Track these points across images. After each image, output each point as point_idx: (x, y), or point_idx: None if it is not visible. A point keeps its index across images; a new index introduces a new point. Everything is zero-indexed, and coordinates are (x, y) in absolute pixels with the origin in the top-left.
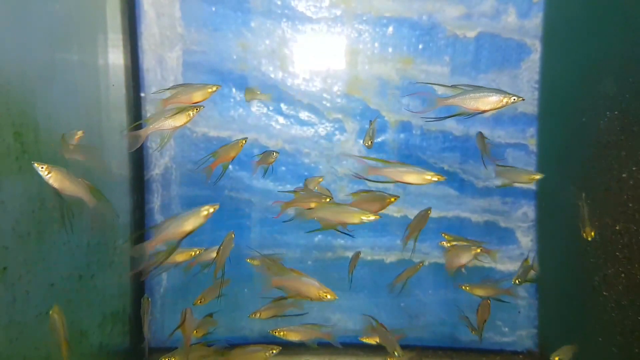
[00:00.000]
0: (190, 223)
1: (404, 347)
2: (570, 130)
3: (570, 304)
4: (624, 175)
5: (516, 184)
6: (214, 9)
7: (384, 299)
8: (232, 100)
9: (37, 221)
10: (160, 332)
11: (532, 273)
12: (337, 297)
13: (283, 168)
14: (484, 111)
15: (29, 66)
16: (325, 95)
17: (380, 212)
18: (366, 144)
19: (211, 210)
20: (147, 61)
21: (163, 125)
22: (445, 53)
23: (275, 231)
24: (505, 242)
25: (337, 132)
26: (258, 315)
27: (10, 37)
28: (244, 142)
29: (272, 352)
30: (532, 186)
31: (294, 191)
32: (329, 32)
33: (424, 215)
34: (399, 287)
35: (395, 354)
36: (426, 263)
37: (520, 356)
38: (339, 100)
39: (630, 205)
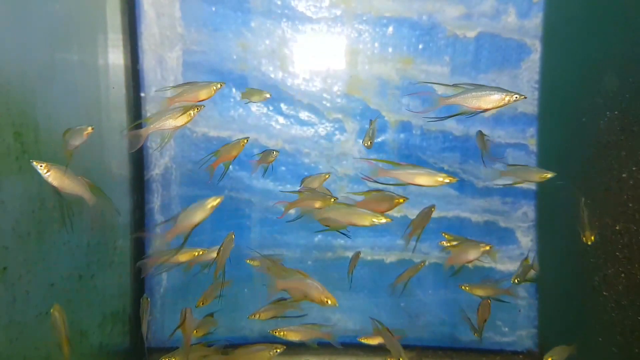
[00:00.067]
0: (198, 215)
1: (404, 347)
2: (570, 130)
3: (570, 304)
4: (624, 175)
5: (526, 183)
6: (214, 9)
7: (384, 299)
8: (232, 100)
9: (37, 221)
10: (160, 332)
11: (532, 272)
12: (337, 305)
13: (283, 168)
14: (486, 110)
15: (29, 66)
16: (325, 95)
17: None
18: (365, 145)
19: (215, 202)
20: (147, 61)
21: (164, 125)
22: (445, 53)
23: (275, 231)
24: (505, 242)
25: (337, 132)
26: (257, 316)
27: (10, 37)
28: (245, 141)
29: (276, 351)
30: (532, 186)
31: (298, 191)
32: (329, 32)
33: (427, 213)
34: (400, 287)
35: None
36: (426, 263)
37: (520, 356)
38: (339, 100)
39: (630, 205)
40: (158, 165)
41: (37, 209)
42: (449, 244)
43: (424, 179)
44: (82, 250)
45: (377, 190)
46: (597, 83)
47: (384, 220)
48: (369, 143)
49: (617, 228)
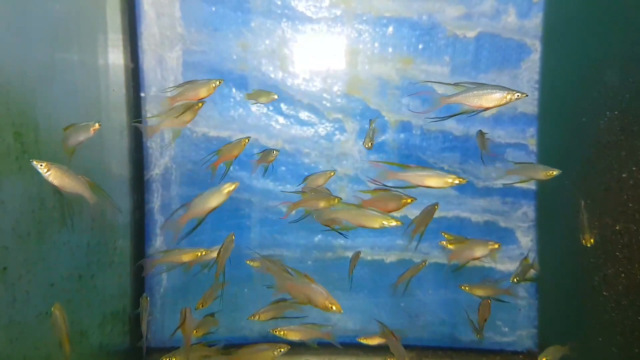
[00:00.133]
0: (215, 200)
1: (404, 347)
2: (570, 130)
3: (570, 304)
4: (624, 175)
5: (526, 183)
6: (214, 9)
7: (384, 299)
8: (232, 100)
9: (37, 221)
10: (160, 332)
11: (532, 272)
12: (342, 311)
13: (283, 168)
14: (488, 108)
15: (29, 66)
16: (325, 95)
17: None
18: (366, 146)
19: (232, 188)
20: (147, 61)
21: (174, 122)
22: (445, 53)
23: (275, 231)
24: (505, 242)
25: (337, 132)
26: (257, 317)
27: (10, 37)
28: (246, 141)
29: (280, 351)
30: (532, 186)
31: (302, 192)
32: (329, 32)
33: (430, 210)
34: (401, 287)
35: None
36: (427, 263)
37: (520, 356)
38: (339, 100)
39: (630, 205)
40: (158, 165)
41: (37, 209)
42: (453, 241)
43: (433, 180)
44: (82, 250)
45: (384, 189)
46: (597, 83)
47: (394, 224)
48: (370, 144)
49: (617, 228)
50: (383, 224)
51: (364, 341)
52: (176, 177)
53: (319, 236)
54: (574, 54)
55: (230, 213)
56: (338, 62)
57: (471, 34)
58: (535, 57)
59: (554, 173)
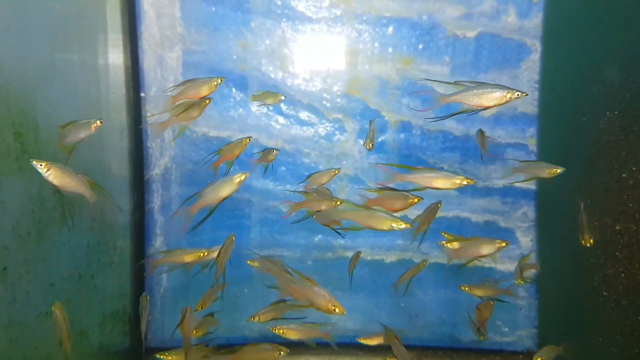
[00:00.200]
0: (226, 189)
1: (404, 348)
2: (570, 130)
3: (570, 304)
4: (624, 175)
5: (527, 183)
6: (214, 9)
7: (384, 299)
8: (232, 100)
9: (37, 221)
10: (160, 332)
11: (532, 272)
12: (345, 313)
13: (283, 168)
14: (488, 107)
15: (29, 66)
16: (325, 95)
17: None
18: (367, 147)
19: (243, 177)
20: (147, 61)
21: (182, 117)
22: (445, 53)
23: (275, 231)
24: None
25: (337, 132)
26: (257, 318)
27: (10, 37)
28: (248, 140)
29: (281, 354)
30: (532, 186)
31: (305, 192)
32: (329, 32)
33: (433, 209)
34: (402, 287)
35: None
36: (427, 262)
37: (520, 356)
38: (339, 100)
39: (630, 205)
40: (158, 165)
41: (37, 209)
42: (458, 238)
43: (441, 182)
44: (82, 250)
45: (391, 188)
46: (597, 83)
47: (403, 226)
48: (370, 145)
49: (617, 228)
50: (392, 226)
51: (363, 341)
52: (176, 177)
53: (319, 236)
54: (574, 54)
55: (230, 213)
56: (338, 62)
57: (471, 34)
58: (535, 57)
59: (558, 171)
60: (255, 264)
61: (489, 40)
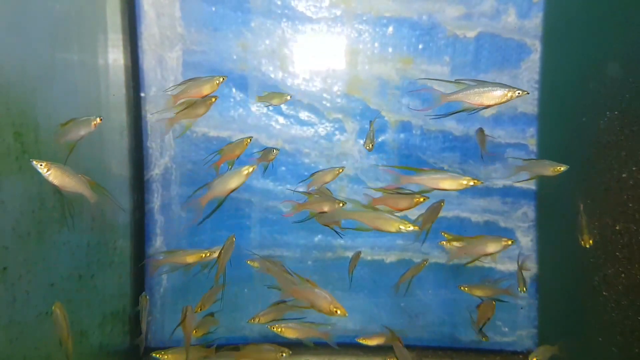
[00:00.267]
0: (235, 181)
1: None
2: (570, 130)
3: (570, 304)
4: (624, 175)
5: (527, 183)
6: (214, 9)
7: (384, 299)
8: (232, 100)
9: (37, 221)
10: (160, 332)
11: (526, 273)
12: (347, 315)
13: (283, 168)
14: (488, 106)
15: (29, 66)
16: (325, 95)
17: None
18: (367, 147)
19: (250, 169)
20: (147, 61)
21: (188, 114)
22: (445, 53)
23: (275, 231)
24: None
25: (337, 132)
26: (257, 320)
27: (10, 37)
28: (249, 140)
29: (283, 355)
30: (532, 186)
31: (307, 193)
32: (329, 32)
33: (436, 207)
34: (403, 287)
35: None
36: (428, 262)
37: (520, 356)
38: (339, 100)
39: (630, 205)
40: (158, 165)
41: (37, 209)
42: (463, 237)
43: (448, 183)
44: (82, 250)
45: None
46: (597, 83)
47: (411, 228)
48: (371, 146)
49: (617, 228)
50: (400, 228)
51: (363, 342)
52: (176, 177)
53: (319, 236)
54: (574, 54)
55: (230, 213)
56: (338, 62)
57: (471, 34)
58: (535, 57)
59: (562, 169)
60: (255, 264)
61: (489, 40)
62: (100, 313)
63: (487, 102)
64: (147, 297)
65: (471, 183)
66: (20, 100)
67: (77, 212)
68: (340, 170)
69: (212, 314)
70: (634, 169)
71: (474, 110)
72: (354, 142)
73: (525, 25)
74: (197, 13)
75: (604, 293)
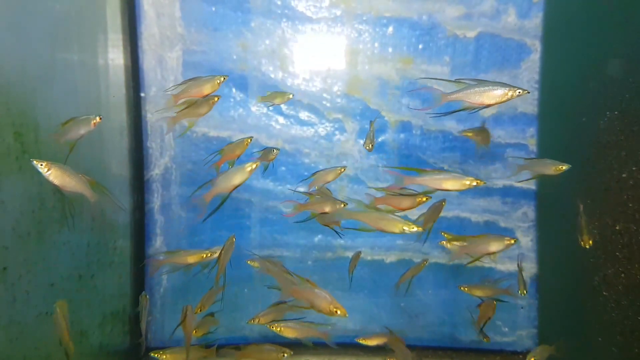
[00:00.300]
0: (238, 177)
1: None
2: (570, 130)
3: (570, 304)
4: (624, 175)
5: (527, 183)
6: (214, 9)
7: (383, 299)
8: (232, 100)
9: (37, 221)
10: (160, 332)
11: (523, 272)
12: (347, 315)
13: (283, 168)
14: (489, 105)
15: (29, 66)
16: (325, 95)
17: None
18: (367, 147)
19: (254, 166)
20: (147, 61)
21: (191, 113)
22: (445, 53)
23: (275, 231)
24: None
25: (337, 132)
26: (257, 320)
27: (10, 37)
28: (249, 140)
29: (284, 356)
30: (532, 186)
31: (308, 193)
32: (329, 32)
33: (438, 207)
34: (403, 287)
35: None
36: (428, 261)
37: (520, 356)
38: (339, 100)
39: (630, 205)
40: (158, 165)
41: (37, 209)
42: (465, 237)
43: (451, 183)
44: (82, 250)
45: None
46: (597, 83)
47: (415, 229)
48: (370, 146)
49: (617, 228)
50: (404, 229)
51: (363, 342)
52: (176, 177)
53: (319, 236)
54: (574, 54)
55: (230, 213)
56: (338, 62)
57: (471, 34)
58: (535, 57)
59: (564, 167)
60: (255, 264)
61: (489, 40)
62: (100, 313)
63: (487, 102)
64: (147, 297)
65: (474, 183)
66: (20, 100)
67: (77, 212)
68: (342, 170)
69: (212, 314)
70: (634, 169)
71: (474, 109)
72: (354, 142)
73: (525, 25)
74: (197, 13)
75: (604, 293)
